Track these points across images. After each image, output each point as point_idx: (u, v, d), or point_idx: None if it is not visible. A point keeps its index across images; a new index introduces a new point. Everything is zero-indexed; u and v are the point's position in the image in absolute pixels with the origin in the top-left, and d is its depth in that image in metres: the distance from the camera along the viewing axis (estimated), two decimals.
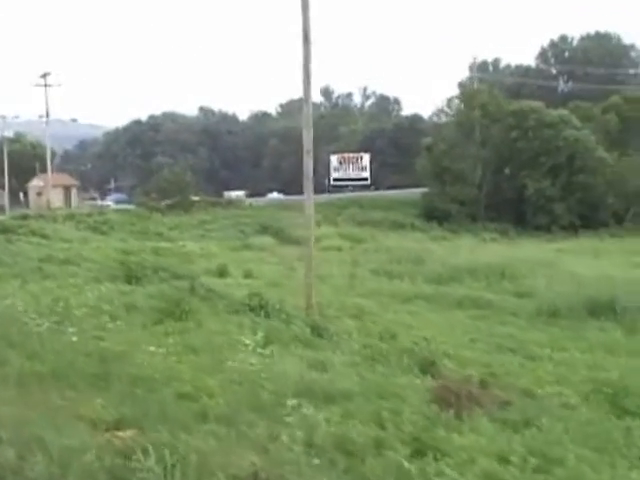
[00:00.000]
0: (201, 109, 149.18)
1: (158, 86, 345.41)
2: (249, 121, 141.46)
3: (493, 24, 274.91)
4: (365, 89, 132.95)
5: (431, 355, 11.82)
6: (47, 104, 61.30)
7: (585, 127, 59.83)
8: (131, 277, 20.75)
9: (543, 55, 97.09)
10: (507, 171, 61.74)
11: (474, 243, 46.38)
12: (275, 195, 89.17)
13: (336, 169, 72.01)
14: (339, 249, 44.26)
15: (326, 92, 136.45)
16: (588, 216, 57.88)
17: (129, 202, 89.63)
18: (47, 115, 61.16)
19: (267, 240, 47.53)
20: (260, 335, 13.60)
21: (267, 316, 16.34)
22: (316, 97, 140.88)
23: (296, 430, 6.87)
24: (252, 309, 16.79)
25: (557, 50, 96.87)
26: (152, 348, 11.41)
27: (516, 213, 59.45)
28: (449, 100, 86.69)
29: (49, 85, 60.31)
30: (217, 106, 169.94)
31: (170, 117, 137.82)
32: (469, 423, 7.47)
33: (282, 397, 8.64)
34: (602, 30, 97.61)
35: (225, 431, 6.98)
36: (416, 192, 67.59)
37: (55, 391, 8.96)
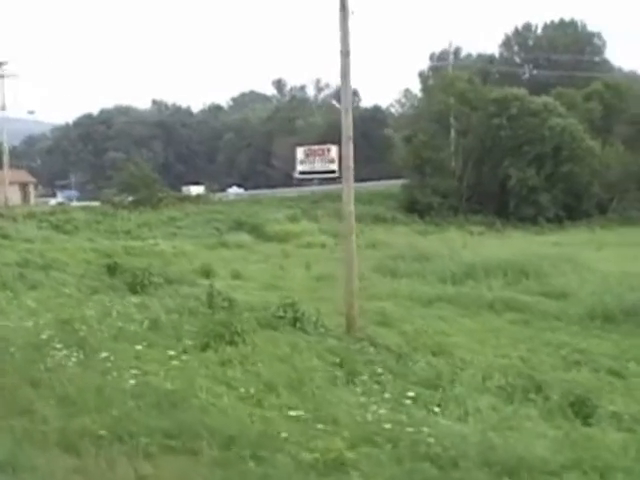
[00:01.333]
0: (154, 102, 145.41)
1: (107, 80, 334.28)
2: (202, 114, 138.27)
3: (452, 14, 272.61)
4: (318, 81, 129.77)
5: (571, 387, 9.49)
6: (3, 96, 57.31)
7: (569, 115, 58.26)
8: (135, 285, 18.32)
9: (507, 44, 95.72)
10: (489, 161, 59.59)
11: (462, 236, 44.37)
12: (235, 189, 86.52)
13: (302, 162, 68.40)
14: (323, 246, 41.90)
15: (279, 85, 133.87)
16: (572, 207, 56.33)
17: (81, 199, 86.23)
18: (4, 108, 57.04)
19: (244, 237, 45.29)
20: (333, 360, 11.34)
21: (312, 332, 14.51)
22: (268, 90, 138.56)
23: None
24: (290, 323, 14.81)
25: (521, 38, 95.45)
26: (215, 386, 9.10)
27: (498, 204, 57.45)
28: (406, 91, 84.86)
29: (3, 76, 55.97)
30: (170, 99, 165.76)
31: (123, 111, 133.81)
32: None
33: (458, 470, 6.20)
34: (567, 18, 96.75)
35: None
36: (390, 184, 65.43)
37: (122, 458, 6.55)
